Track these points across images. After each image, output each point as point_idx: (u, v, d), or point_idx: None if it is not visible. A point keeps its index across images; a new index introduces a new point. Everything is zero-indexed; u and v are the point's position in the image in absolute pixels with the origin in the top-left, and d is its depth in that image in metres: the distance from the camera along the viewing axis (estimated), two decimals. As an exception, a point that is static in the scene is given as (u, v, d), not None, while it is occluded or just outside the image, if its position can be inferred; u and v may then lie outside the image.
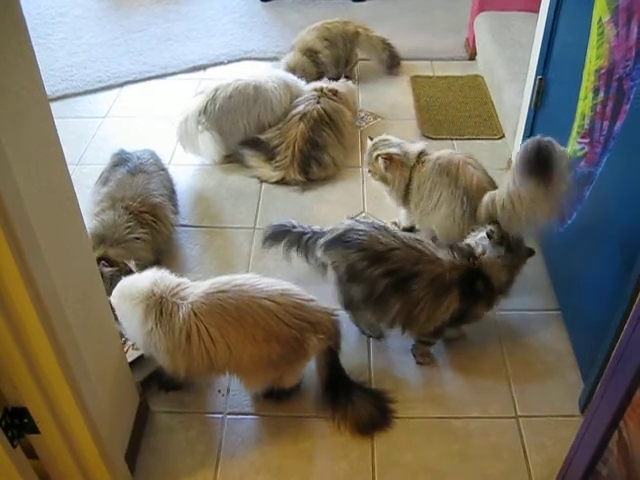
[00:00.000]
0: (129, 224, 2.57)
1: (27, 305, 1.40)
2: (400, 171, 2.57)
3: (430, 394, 2.24)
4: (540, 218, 2.21)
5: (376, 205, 3.07)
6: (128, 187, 2.68)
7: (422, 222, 2.66)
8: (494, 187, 2.42)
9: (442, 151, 2.60)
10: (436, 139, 3.50)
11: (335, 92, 3.29)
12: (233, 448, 2.10)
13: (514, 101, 3.21)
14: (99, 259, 2.39)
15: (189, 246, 2.87)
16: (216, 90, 3.26)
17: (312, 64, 3.74)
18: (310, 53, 3.78)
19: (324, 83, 3.32)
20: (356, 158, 3.39)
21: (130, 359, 2.20)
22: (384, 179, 2.63)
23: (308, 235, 2.41)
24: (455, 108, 3.76)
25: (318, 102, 3.21)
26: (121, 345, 2.03)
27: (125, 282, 2.09)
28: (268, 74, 3.47)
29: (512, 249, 2.15)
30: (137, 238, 2.57)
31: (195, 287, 2.04)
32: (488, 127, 3.60)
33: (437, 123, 3.63)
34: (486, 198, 2.37)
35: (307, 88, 3.31)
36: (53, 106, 4.12)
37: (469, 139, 3.51)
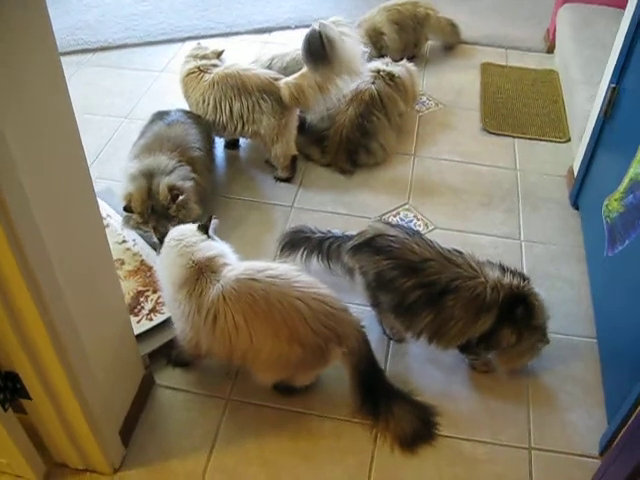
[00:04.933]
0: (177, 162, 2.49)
1: (13, 269, 1.35)
2: None
3: (442, 410, 2.11)
4: (331, 90, 2.75)
5: (422, 196, 2.93)
6: (165, 139, 2.58)
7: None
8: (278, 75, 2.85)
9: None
10: (496, 134, 3.32)
11: (392, 76, 3.12)
12: (230, 435, 2.05)
13: (585, 105, 3.00)
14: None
15: (223, 217, 2.77)
16: (272, 59, 3.14)
17: (373, 46, 3.56)
18: (374, 34, 3.61)
19: (382, 65, 3.14)
20: (409, 145, 3.24)
21: (140, 329, 2.16)
22: None
23: (330, 240, 2.30)
24: (523, 103, 3.55)
25: (373, 83, 3.05)
26: (127, 318, 1.98)
27: (195, 236, 1.99)
28: None
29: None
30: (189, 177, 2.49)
31: (231, 269, 1.95)
32: (555, 128, 3.38)
33: (501, 117, 3.43)
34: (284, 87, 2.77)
35: (364, 67, 3.15)
36: (110, 55, 4.05)
37: (532, 139, 3.31)
